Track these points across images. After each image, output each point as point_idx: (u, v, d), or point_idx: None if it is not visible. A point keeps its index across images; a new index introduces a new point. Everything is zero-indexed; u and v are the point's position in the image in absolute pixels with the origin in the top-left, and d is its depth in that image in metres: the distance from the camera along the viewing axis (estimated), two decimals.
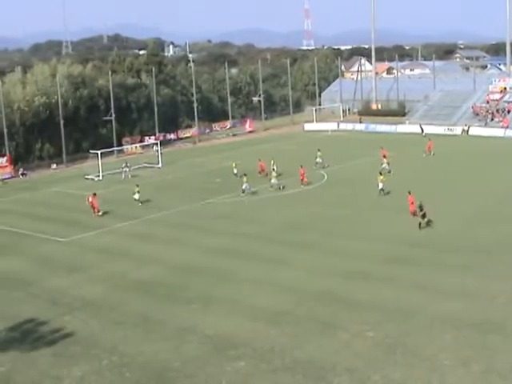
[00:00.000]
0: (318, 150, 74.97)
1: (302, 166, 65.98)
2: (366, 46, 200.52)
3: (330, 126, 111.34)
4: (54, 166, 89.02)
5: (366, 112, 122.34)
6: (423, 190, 59.84)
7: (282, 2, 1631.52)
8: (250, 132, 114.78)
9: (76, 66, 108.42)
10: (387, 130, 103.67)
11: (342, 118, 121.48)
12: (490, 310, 32.27)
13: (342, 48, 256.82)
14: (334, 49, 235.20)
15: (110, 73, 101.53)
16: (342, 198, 59.24)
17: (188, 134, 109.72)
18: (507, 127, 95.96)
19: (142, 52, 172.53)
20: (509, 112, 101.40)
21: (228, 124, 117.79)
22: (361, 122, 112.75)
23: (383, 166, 68.40)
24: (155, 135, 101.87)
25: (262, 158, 72.61)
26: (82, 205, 60.39)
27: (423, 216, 47.27)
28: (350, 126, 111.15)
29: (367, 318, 32.09)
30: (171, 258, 44.08)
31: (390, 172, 65.83)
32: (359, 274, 38.69)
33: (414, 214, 49.35)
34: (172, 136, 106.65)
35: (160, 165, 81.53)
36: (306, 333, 30.89)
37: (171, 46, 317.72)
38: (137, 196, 60.61)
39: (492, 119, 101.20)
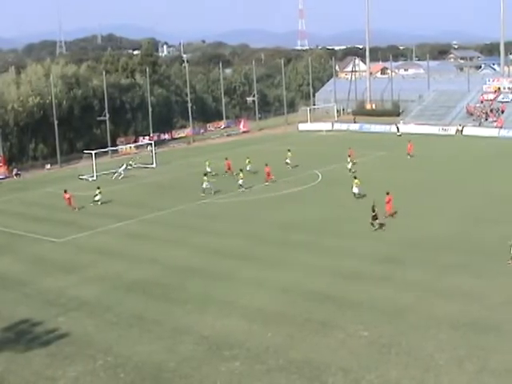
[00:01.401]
0: (288, 151, 75.65)
1: (267, 165, 66.90)
2: (361, 46, 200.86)
3: (325, 126, 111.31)
4: (48, 166, 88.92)
5: (361, 112, 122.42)
6: (416, 190, 60.16)
7: (276, 2, 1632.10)
8: (244, 132, 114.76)
9: (70, 66, 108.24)
10: (381, 130, 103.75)
11: (336, 118, 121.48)
12: (485, 310, 32.34)
13: (337, 48, 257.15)
14: (329, 49, 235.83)
15: (104, 73, 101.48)
16: (336, 197, 59.23)
17: (182, 134, 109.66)
18: (501, 127, 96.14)
19: (136, 52, 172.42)
20: (503, 112, 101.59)
21: (222, 124, 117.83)
22: (355, 122, 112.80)
23: (349, 166, 69.20)
24: (149, 135, 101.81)
25: (255, 158, 72.91)
26: (77, 205, 60.54)
27: (374, 217, 47.45)
28: (344, 126, 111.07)
29: (362, 317, 32.13)
30: (166, 258, 44.06)
31: (354, 172, 65.88)
32: (354, 273, 38.74)
33: (390, 214, 50.08)
34: (166, 136, 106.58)
35: (154, 165, 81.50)
36: (301, 333, 30.91)
37: (165, 47, 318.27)
38: (97, 198, 61.46)
39: (486, 119, 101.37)
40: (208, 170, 70.17)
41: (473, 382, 25.74)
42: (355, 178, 58.61)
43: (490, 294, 34.28)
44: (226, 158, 72.90)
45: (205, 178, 63.66)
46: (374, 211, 47.42)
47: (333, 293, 35.88)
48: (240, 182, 63.86)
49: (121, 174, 75.75)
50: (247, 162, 71.22)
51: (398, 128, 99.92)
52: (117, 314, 34.62)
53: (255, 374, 27.25)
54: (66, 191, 60.85)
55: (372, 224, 47.43)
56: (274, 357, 28.53)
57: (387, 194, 50.56)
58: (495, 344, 28.58)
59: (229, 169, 71.58)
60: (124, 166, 77.42)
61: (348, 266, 40.07)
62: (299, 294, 35.91)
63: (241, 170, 65.21)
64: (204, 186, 62.70)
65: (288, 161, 74.47)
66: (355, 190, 57.41)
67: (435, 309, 32.75)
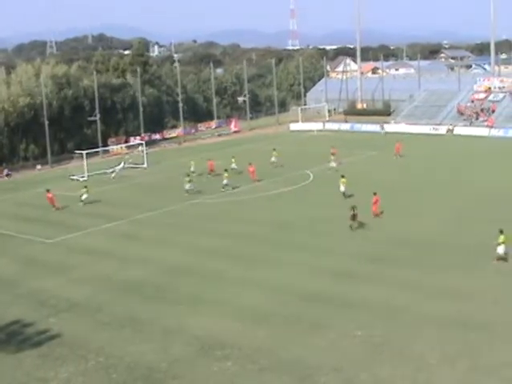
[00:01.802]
0: (274, 150, 75.98)
1: (250, 164, 67.28)
2: (352, 46, 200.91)
3: (316, 125, 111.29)
4: (39, 166, 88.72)
5: (352, 112, 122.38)
6: (407, 189, 60.28)
7: (267, 2, 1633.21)
8: (236, 132, 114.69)
9: (60, 66, 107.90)
10: (372, 129, 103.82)
11: (327, 118, 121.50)
12: (475, 309, 32.44)
13: (328, 48, 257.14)
14: (320, 49, 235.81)
15: (94, 73, 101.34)
16: (327, 197, 59.18)
17: (173, 135, 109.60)
18: (492, 127, 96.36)
19: (126, 52, 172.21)
20: (493, 111, 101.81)
21: (213, 124, 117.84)
22: (346, 122, 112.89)
23: (330, 164, 69.93)
24: (140, 135, 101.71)
25: (245, 158, 72.99)
26: (68, 205, 60.53)
27: (353, 217, 47.61)
28: (335, 126, 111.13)
29: (354, 317, 32.15)
30: (158, 258, 43.99)
31: (336, 171, 66.64)
32: (346, 273, 38.77)
33: (376, 214, 50.33)
34: (157, 136, 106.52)
35: (145, 165, 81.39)
36: (293, 332, 30.92)
37: (156, 46, 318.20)
38: (84, 197, 61.65)
39: (477, 118, 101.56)
40: (192, 169, 70.37)
41: (464, 381, 25.82)
42: (342, 176, 58.61)
43: (480, 293, 34.37)
44: (209, 159, 72.99)
45: (186, 178, 63.78)
46: (353, 210, 47.64)
47: (324, 292, 35.89)
48: (225, 181, 63.94)
49: (114, 170, 75.93)
50: (232, 160, 71.45)
51: (382, 127, 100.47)
52: (108, 315, 34.57)
53: (247, 374, 27.25)
54: (48, 191, 61.20)
55: (351, 226, 47.63)
56: (266, 356, 28.52)
57: (374, 194, 50.72)
58: (486, 342, 28.66)
59: (212, 170, 71.63)
60: (122, 164, 77.63)
61: (340, 266, 40.09)
62: (291, 294, 35.92)
63: (226, 170, 65.26)
64: (187, 187, 62.85)
65: (273, 159, 74.66)
66: (342, 188, 57.52)
67: (426, 308, 32.80)
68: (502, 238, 38.81)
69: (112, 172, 76.50)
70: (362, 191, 55.80)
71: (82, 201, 61.30)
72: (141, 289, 38.42)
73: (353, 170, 68.17)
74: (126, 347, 30.43)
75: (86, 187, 62.78)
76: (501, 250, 38.85)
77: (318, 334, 30.62)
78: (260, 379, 26.81)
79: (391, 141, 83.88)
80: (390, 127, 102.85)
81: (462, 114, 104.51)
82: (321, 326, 31.39)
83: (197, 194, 62.42)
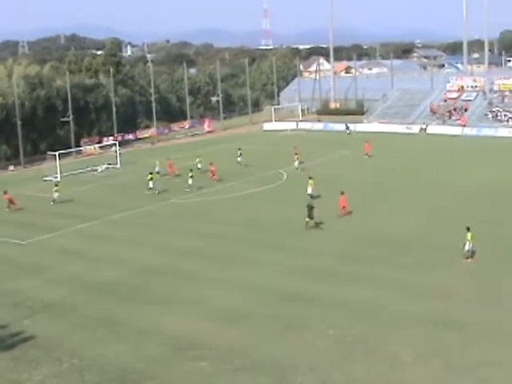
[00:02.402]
0: (239, 149, 76.51)
1: (211, 164, 67.72)
2: (325, 46, 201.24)
3: (289, 125, 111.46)
4: (11, 167, 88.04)
5: (325, 111, 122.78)
6: (380, 189, 60.49)
7: (240, 1, 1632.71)
8: (209, 132, 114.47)
9: (33, 66, 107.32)
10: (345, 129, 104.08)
11: (300, 118, 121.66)
12: (450, 308, 32.63)
13: (301, 47, 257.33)
14: (293, 48, 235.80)
15: (67, 73, 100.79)
16: (302, 197, 59.03)
17: (147, 135, 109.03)
18: (464, 125, 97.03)
19: (99, 52, 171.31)
20: (466, 110, 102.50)
21: (187, 124, 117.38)
22: (319, 122, 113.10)
23: (295, 164, 70.76)
24: (113, 136, 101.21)
25: (217, 158, 73.08)
26: (41, 207, 60.26)
27: (310, 216, 47.99)
28: (308, 126, 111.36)
29: (329, 316, 32.24)
30: (132, 258, 43.86)
31: (302, 170, 68.25)
32: (322, 273, 38.84)
33: (344, 214, 50.66)
34: (130, 136, 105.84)
35: (119, 165, 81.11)
36: (268, 333, 30.95)
37: (129, 47, 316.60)
38: (55, 195, 61.60)
39: (450, 117, 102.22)
40: (157, 169, 70.46)
41: (438, 379, 25.98)
42: (310, 178, 58.52)
43: (454, 292, 34.59)
44: (168, 159, 73.13)
45: (148, 177, 64.22)
46: (310, 209, 47.93)
47: (300, 292, 35.95)
48: (190, 181, 63.90)
49: (96, 170, 76.26)
50: (198, 160, 71.84)
51: (347, 126, 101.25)
52: (83, 316, 34.43)
53: (222, 374, 27.24)
54: (5, 192, 60.81)
55: (307, 222, 48.03)
56: (240, 357, 28.54)
57: (342, 193, 50.87)
58: (460, 341, 28.86)
59: (172, 170, 71.64)
60: (106, 165, 77.86)
61: (316, 266, 40.17)
62: (266, 294, 35.93)
63: (191, 170, 65.11)
64: (150, 185, 63.19)
65: (239, 159, 75.00)
66: (309, 190, 57.41)
67: (401, 307, 32.97)
68: (468, 235, 39.16)
69: (94, 170, 76.99)
70: (334, 191, 55.73)
71: (53, 200, 61.05)
72: (115, 289, 38.31)
73: (325, 169, 68.49)
74: (100, 348, 30.32)
75: (56, 186, 62.69)
76: (467, 247, 39.21)
77: (294, 333, 30.68)
78: (235, 379, 26.82)
79: (363, 140, 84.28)
80: (363, 127, 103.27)
81: (434, 113, 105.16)
82: (297, 326, 31.46)
83: (153, 194, 62.57)
